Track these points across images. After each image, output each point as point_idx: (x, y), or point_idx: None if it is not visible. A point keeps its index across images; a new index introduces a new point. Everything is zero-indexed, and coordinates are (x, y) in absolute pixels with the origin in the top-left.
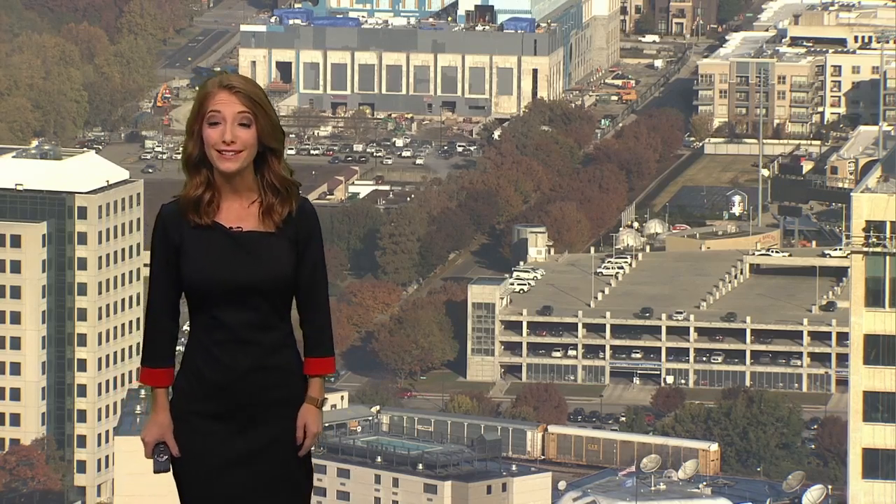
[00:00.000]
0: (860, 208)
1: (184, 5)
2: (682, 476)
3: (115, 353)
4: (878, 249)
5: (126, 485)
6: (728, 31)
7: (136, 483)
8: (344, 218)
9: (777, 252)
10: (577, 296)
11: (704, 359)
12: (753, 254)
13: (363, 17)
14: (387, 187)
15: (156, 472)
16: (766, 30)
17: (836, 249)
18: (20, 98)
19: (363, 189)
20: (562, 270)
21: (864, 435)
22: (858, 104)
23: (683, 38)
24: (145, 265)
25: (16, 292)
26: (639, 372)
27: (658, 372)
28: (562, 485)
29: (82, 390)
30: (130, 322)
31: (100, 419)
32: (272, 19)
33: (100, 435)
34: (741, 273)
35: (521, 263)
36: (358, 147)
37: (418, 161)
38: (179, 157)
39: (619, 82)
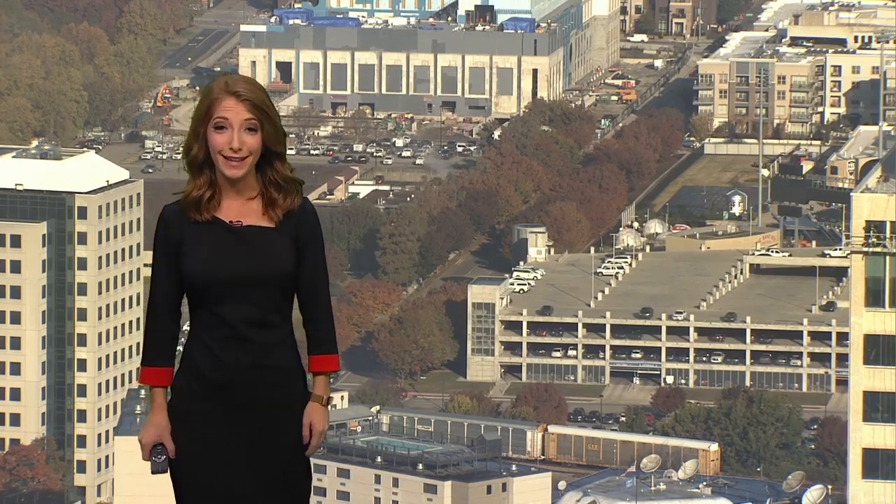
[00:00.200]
0: (860, 208)
1: (184, 5)
2: (682, 476)
3: (115, 353)
4: (878, 249)
5: (126, 485)
6: (728, 31)
7: (136, 483)
8: (344, 218)
9: (777, 252)
10: (577, 296)
11: (704, 359)
12: (753, 254)
13: (363, 17)
14: (387, 187)
15: (153, 473)
16: (766, 30)
17: (836, 249)
18: (20, 98)
19: (363, 189)
20: (562, 270)
21: (864, 435)
22: (858, 104)
23: (683, 38)
24: (145, 265)
25: (16, 292)
26: (639, 372)
27: (658, 372)
28: (562, 485)
29: (82, 390)
30: (130, 322)
31: (100, 419)
32: (272, 19)
33: (100, 435)
34: (741, 273)
35: (521, 263)
36: (358, 147)
37: (418, 161)
38: (180, 156)
39: (619, 82)
